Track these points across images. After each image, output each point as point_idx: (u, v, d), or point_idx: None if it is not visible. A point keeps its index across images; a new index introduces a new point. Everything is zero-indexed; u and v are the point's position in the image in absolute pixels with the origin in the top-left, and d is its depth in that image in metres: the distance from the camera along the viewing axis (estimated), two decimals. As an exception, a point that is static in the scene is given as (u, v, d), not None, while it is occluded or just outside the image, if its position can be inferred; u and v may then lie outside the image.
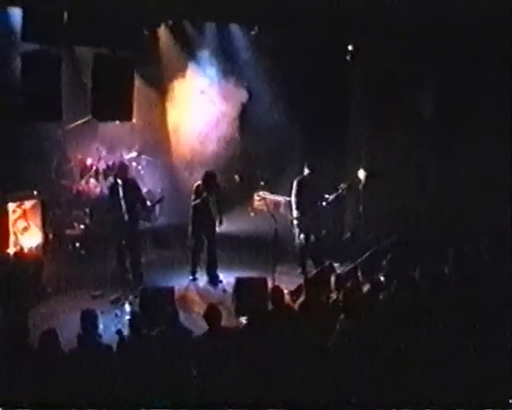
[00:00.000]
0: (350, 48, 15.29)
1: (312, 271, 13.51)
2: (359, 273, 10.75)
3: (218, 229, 13.69)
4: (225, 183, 15.46)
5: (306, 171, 14.03)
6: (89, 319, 8.65)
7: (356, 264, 12.68)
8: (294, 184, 14.06)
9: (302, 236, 14.05)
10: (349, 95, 15.94)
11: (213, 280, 13.61)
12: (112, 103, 13.88)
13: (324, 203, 14.09)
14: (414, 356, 8.09)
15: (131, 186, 13.14)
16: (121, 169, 13.32)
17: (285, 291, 10.63)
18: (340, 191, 14.29)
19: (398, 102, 14.74)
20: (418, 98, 14.88)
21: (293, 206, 14.04)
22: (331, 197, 14.15)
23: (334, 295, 9.94)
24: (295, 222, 14.04)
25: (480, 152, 13.91)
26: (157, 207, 15.33)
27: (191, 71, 16.31)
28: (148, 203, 13.86)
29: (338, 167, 15.66)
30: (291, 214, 14.16)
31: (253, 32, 16.15)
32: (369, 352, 8.09)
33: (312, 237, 14.16)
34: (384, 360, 8.02)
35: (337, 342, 8.40)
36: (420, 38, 14.16)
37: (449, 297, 9.30)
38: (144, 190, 14.69)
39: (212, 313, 8.85)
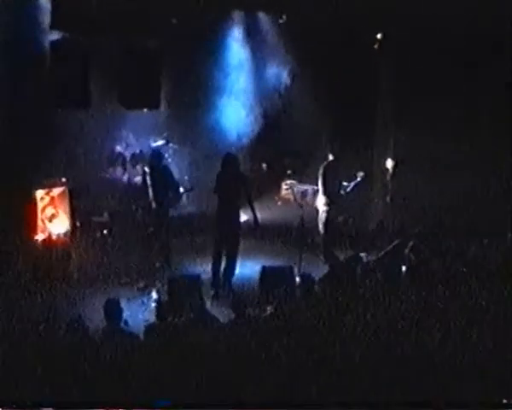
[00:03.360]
0: (378, 36, 15.24)
1: (338, 260, 13.49)
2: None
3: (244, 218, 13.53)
4: (253, 171, 15.45)
5: (330, 157, 14.01)
6: (112, 309, 8.68)
7: (382, 254, 12.65)
8: (320, 170, 14.04)
9: (326, 222, 13.98)
10: (377, 84, 15.86)
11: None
12: (139, 91, 13.92)
13: (342, 192, 14.07)
14: (433, 353, 8.04)
15: (164, 173, 13.12)
16: (153, 157, 13.31)
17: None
18: (358, 179, 14.24)
19: (426, 91, 14.64)
20: (446, 87, 14.76)
21: (320, 191, 14.02)
22: (351, 185, 14.12)
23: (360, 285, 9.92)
24: (322, 209, 13.99)
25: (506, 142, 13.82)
26: (185, 195, 15.34)
27: (219, 58, 16.30)
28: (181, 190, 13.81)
29: (366, 157, 15.58)
30: (317, 201, 14.14)
31: (281, 21, 16.11)
32: (398, 343, 8.08)
33: (337, 225, 14.12)
34: (404, 356, 7.99)
35: (364, 332, 8.38)
36: (447, 27, 14.05)
37: (470, 291, 9.25)
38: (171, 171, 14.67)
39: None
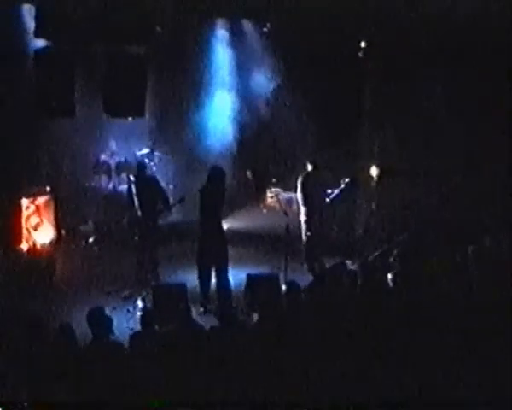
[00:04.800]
0: (362, 44, 15.26)
1: (323, 268, 13.46)
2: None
3: (226, 226, 13.41)
4: (237, 179, 15.43)
5: (309, 167, 14.01)
6: (97, 317, 8.62)
7: (368, 261, 12.64)
8: (299, 180, 14.03)
9: (309, 233, 13.97)
10: (362, 92, 15.87)
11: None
12: (124, 100, 13.89)
13: (328, 199, 14.05)
14: (426, 354, 8.06)
15: (151, 184, 13.06)
16: (139, 167, 13.27)
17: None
18: (342, 186, 14.23)
19: (411, 98, 14.67)
20: (431, 94, 14.80)
21: (300, 202, 14.00)
22: (335, 192, 14.11)
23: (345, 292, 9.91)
24: (303, 219, 13.99)
25: (496, 146, 13.84)
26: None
27: (203, 67, 16.30)
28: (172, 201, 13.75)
29: (350, 164, 15.59)
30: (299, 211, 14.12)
31: (265, 29, 16.12)
32: (382, 349, 8.08)
33: (320, 234, 14.10)
34: (397, 358, 8.00)
35: (350, 339, 8.38)
36: (433, 33, 14.08)
37: (462, 295, 9.27)
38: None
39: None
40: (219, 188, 12.49)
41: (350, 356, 8.07)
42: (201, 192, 12.47)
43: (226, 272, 12.63)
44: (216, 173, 12.56)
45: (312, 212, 13.89)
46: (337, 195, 14.16)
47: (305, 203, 13.92)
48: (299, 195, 14.02)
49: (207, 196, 12.41)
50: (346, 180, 14.28)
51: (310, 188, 13.91)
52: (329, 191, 14.10)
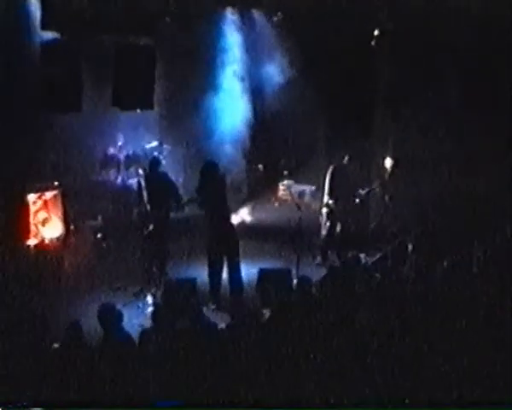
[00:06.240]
0: (376, 33, 15.12)
1: (336, 261, 13.36)
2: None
3: (237, 219, 13.31)
4: (249, 172, 15.36)
5: (346, 159, 13.87)
6: (108, 313, 8.55)
7: (382, 255, 12.53)
8: (329, 170, 13.90)
9: (328, 224, 13.83)
10: (375, 81, 15.73)
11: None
12: (133, 92, 13.81)
13: (357, 200, 13.94)
14: (433, 353, 7.93)
15: (162, 180, 12.92)
16: (152, 163, 13.13)
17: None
18: (373, 187, 14.17)
19: (425, 88, 14.51)
20: (446, 85, 14.65)
21: (326, 192, 13.86)
22: (364, 192, 14.01)
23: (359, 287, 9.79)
24: (324, 210, 13.84)
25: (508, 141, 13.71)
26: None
27: (213, 59, 16.19)
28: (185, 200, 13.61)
29: (364, 156, 15.44)
30: (321, 202, 13.98)
31: (275, 18, 16.01)
32: (394, 345, 7.96)
33: (339, 227, 13.97)
34: (407, 355, 7.88)
35: (362, 335, 8.26)
36: (446, 23, 13.94)
37: (475, 291, 9.12)
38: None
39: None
40: (216, 182, 12.35)
41: (361, 352, 7.96)
42: (198, 191, 12.38)
43: (238, 266, 12.53)
44: (208, 169, 12.43)
45: (337, 204, 13.74)
46: (365, 196, 14.06)
47: (331, 195, 13.77)
48: (326, 184, 13.86)
49: (207, 193, 12.27)
50: (378, 182, 14.19)
51: (339, 180, 13.78)
52: (360, 191, 13.96)
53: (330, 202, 13.78)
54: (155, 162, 13.25)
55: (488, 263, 9.97)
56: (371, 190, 14.19)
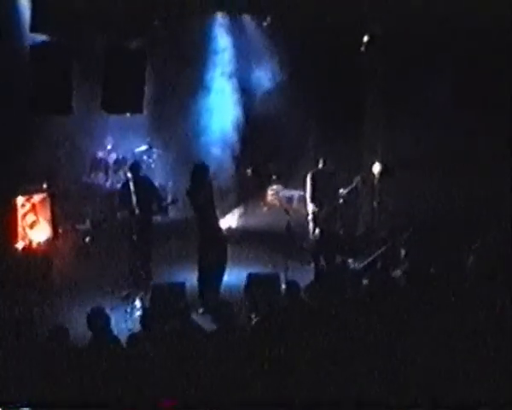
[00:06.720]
0: (365, 38, 15.14)
1: (325, 266, 13.35)
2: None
3: (226, 224, 13.31)
4: (238, 176, 15.34)
5: (321, 164, 13.83)
6: (97, 317, 8.52)
7: (370, 260, 12.53)
8: (308, 176, 13.85)
9: (317, 231, 13.80)
10: (364, 86, 15.77)
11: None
12: (122, 95, 13.77)
13: (341, 200, 13.88)
14: (421, 358, 7.94)
15: (145, 184, 12.91)
16: (133, 167, 13.11)
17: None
18: (354, 184, 14.08)
19: (414, 93, 14.53)
20: (435, 89, 14.66)
21: (308, 199, 13.83)
22: (345, 191, 13.95)
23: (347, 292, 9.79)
24: (310, 217, 13.82)
25: (500, 142, 13.72)
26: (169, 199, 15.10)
27: (203, 62, 16.19)
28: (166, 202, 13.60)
29: (352, 161, 15.46)
30: (306, 209, 13.95)
31: (265, 23, 16.02)
32: (386, 349, 7.96)
33: (326, 233, 13.94)
34: (400, 357, 7.88)
35: (353, 339, 8.26)
36: (435, 27, 13.96)
37: (467, 293, 9.13)
38: (155, 183, 14.49)
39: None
40: (206, 185, 12.34)
41: (350, 357, 8.00)
42: (189, 193, 12.34)
43: (225, 271, 12.54)
44: (200, 171, 12.41)
45: (321, 209, 13.71)
46: (348, 193, 14.00)
47: (313, 200, 13.74)
48: (307, 191, 13.83)
49: (197, 196, 12.24)
50: (358, 179, 14.13)
51: (319, 184, 13.74)
52: (341, 190, 13.92)
53: (314, 207, 13.73)
54: (136, 167, 13.21)
55: (480, 266, 9.99)
56: (353, 189, 14.10)
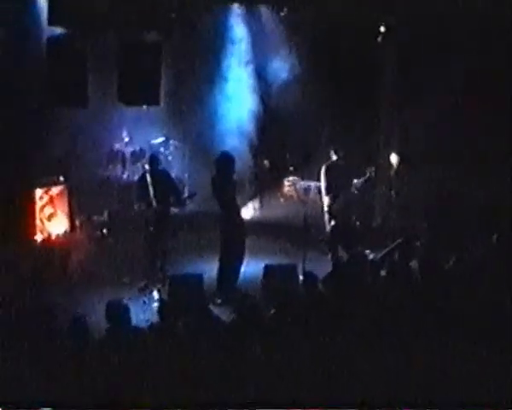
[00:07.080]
0: (382, 29, 15.08)
1: (343, 257, 13.31)
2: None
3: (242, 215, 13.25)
4: (254, 168, 15.33)
5: (335, 156, 13.80)
6: (115, 309, 8.54)
7: (387, 251, 12.49)
8: (322, 169, 13.82)
9: (333, 222, 13.78)
10: (380, 77, 15.69)
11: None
12: (139, 88, 13.80)
13: (355, 191, 13.85)
14: (439, 352, 7.90)
15: (162, 177, 12.91)
16: (152, 159, 13.11)
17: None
18: (368, 175, 14.02)
19: (431, 84, 14.46)
20: (451, 79, 14.58)
21: (323, 192, 13.80)
22: (359, 181, 13.91)
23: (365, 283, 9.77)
24: (326, 208, 13.80)
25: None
26: (186, 192, 15.11)
27: (219, 53, 16.19)
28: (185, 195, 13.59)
29: (369, 152, 15.42)
30: (322, 200, 13.92)
31: (282, 14, 15.99)
32: (401, 341, 7.93)
33: (343, 223, 13.91)
34: (413, 354, 7.85)
35: (368, 331, 8.24)
36: (451, 19, 13.90)
37: (483, 287, 9.09)
38: (172, 176, 14.50)
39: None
40: (230, 175, 12.36)
41: (367, 348, 7.89)
42: (213, 182, 12.36)
43: (243, 262, 12.54)
44: (225, 159, 12.41)
45: (336, 201, 13.68)
46: (362, 184, 13.95)
47: (329, 192, 13.71)
48: (322, 183, 13.81)
49: (220, 185, 12.25)
50: (372, 169, 14.06)
51: (333, 176, 13.70)
52: (355, 181, 13.88)
53: (329, 199, 13.69)
54: (154, 159, 13.22)
55: (493, 261, 9.94)
56: (366, 180, 14.05)
